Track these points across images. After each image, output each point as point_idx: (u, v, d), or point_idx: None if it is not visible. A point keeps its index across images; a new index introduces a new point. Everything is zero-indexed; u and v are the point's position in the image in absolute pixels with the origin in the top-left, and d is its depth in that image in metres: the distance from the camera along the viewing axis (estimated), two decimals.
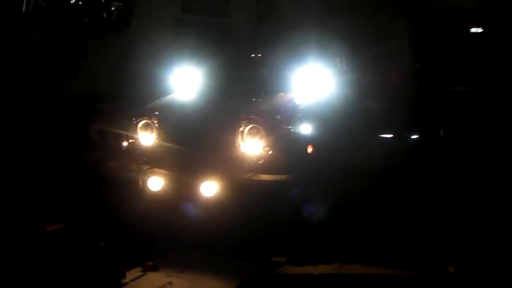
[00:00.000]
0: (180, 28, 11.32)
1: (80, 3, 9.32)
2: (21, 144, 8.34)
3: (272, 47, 8.98)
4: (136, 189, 7.35)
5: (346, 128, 8.41)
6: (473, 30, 11.30)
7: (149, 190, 7.25)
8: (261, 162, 7.06)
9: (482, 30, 11.17)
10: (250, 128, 7.11)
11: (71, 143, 8.94)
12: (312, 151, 7.24)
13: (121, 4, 10.14)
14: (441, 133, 9.15)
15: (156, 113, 7.68)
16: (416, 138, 10.24)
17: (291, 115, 7.44)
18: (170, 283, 6.44)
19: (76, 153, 8.85)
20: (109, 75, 9.89)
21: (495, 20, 10.75)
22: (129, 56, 10.15)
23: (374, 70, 10.10)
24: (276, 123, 7.18)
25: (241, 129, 7.13)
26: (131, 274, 6.56)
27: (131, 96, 9.29)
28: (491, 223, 7.61)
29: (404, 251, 7.06)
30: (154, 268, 6.71)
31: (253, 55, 8.90)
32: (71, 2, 9.20)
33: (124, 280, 6.43)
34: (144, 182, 7.28)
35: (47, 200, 8.22)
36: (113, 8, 9.96)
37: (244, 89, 8.04)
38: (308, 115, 7.61)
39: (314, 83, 8.13)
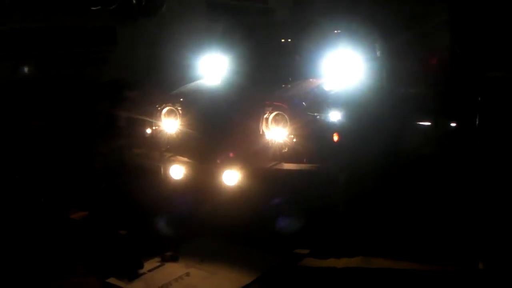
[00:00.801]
0: (213, 13, 11.12)
1: None
2: (49, 130, 8.28)
3: (304, 31, 8.68)
4: (158, 177, 7.18)
5: (378, 115, 8.08)
6: None
7: (171, 178, 7.08)
8: (285, 150, 6.83)
9: None
10: (275, 115, 6.88)
11: (99, 129, 8.88)
12: (338, 140, 6.94)
13: None
14: (477, 121, 8.77)
15: (181, 99, 7.51)
16: (454, 126, 9.88)
17: (318, 102, 7.15)
18: (188, 274, 6.32)
19: (104, 140, 8.77)
20: (138, 61, 9.78)
21: None
22: (159, 42, 10.01)
23: (410, 55, 9.72)
24: (301, 110, 6.91)
25: (265, 116, 6.91)
26: (149, 264, 6.47)
27: (160, 82, 9.13)
28: None
29: (432, 246, 6.73)
30: (174, 259, 6.59)
31: (283, 40, 8.64)
32: None
33: (142, 270, 6.34)
34: (166, 170, 7.10)
35: (73, 187, 8.18)
36: None
37: (272, 75, 7.78)
38: (336, 102, 7.32)
39: (345, 69, 7.85)
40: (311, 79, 7.78)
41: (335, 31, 8.64)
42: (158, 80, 9.20)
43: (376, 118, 8.00)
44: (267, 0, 12.86)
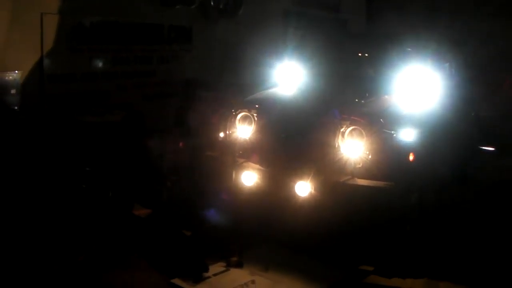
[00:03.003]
0: (288, 20, 11.11)
1: None
2: (121, 124, 8.35)
3: (379, 47, 8.62)
4: (229, 182, 7.19)
5: (450, 137, 7.96)
6: None
7: (242, 184, 7.09)
8: (359, 166, 6.75)
9: None
10: (352, 130, 6.81)
11: (170, 127, 8.92)
12: (414, 160, 6.85)
13: None
14: None
15: (256, 106, 7.51)
16: None
17: (394, 120, 7.05)
18: (253, 281, 6.31)
19: (174, 138, 8.80)
20: (213, 62, 9.82)
21: None
22: (235, 45, 10.03)
23: (483, 76, 9.55)
24: (379, 126, 6.83)
25: (342, 129, 6.85)
26: (214, 269, 6.50)
27: (234, 85, 9.15)
28: None
29: (500, 275, 6.61)
30: (239, 265, 6.61)
31: (360, 54, 8.58)
32: None
33: (206, 274, 6.37)
34: (238, 176, 7.12)
35: (139, 183, 8.23)
36: None
37: (348, 88, 7.71)
38: (413, 120, 7.21)
39: (420, 87, 7.75)
40: (387, 96, 7.68)
41: (409, 49, 8.55)
42: (232, 83, 9.22)
43: (448, 140, 7.89)
44: (340, 10, 12.79)
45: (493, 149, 10.05)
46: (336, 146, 6.85)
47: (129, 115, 8.41)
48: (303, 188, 6.69)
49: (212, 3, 9.67)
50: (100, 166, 7.78)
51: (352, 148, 6.79)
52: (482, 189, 8.69)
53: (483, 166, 9.50)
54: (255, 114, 7.40)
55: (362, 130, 6.77)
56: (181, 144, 8.64)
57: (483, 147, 10.06)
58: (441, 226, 7.50)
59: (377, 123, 6.87)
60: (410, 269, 6.66)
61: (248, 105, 7.54)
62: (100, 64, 8.58)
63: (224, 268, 6.55)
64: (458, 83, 8.85)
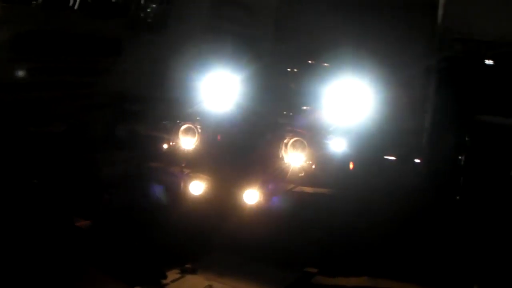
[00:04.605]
0: (212, 35, 11.36)
1: (121, 1, 9.49)
2: (61, 136, 8.39)
3: (304, 62, 9.09)
4: (177, 192, 7.44)
5: (371, 148, 8.50)
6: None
7: (190, 193, 7.35)
8: (302, 174, 7.20)
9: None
10: (294, 141, 7.23)
11: (103, 140, 9.01)
12: (353, 168, 7.39)
13: (159, 6, 10.27)
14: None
15: (197, 118, 7.80)
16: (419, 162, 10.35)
17: (329, 131, 7.57)
18: (210, 286, 6.53)
19: (109, 151, 8.89)
20: (141, 75, 9.96)
21: None
22: (162, 59, 10.22)
23: (386, 87, 10.06)
24: (319, 137, 7.33)
25: (285, 141, 7.26)
26: (169, 276, 6.65)
27: (162, 98, 9.36)
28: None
29: (429, 270, 7.19)
30: (193, 271, 6.81)
31: (289, 69, 9.02)
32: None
33: (165, 281, 6.54)
34: (186, 186, 7.38)
35: (77, 195, 8.26)
36: (150, 10, 10.08)
37: (284, 102, 8.16)
38: (341, 132, 7.72)
39: (345, 101, 8.20)
40: (317, 109, 8.13)
41: (326, 64, 9.06)
42: (161, 96, 9.41)
43: (370, 150, 8.43)
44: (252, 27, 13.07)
45: (393, 158, 10.56)
46: (280, 156, 7.25)
47: (69, 126, 8.46)
48: (252, 196, 7.05)
49: (141, 16, 9.84)
50: (44, 178, 7.79)
51: (295, 158, 7.20)
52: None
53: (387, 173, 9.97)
54: (198, 126, 7.68)
55: (304, 141, 7.20)
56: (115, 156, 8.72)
57: (386, 157, 10.55)
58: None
59: (317, 134, 7.36)
60: (352, 268, 7.11)
61: (190, 117, 7.81)
62: (38, 75, 8.59)
63: (179, 275, 6.73)
64: (375, 97, 9.33)
